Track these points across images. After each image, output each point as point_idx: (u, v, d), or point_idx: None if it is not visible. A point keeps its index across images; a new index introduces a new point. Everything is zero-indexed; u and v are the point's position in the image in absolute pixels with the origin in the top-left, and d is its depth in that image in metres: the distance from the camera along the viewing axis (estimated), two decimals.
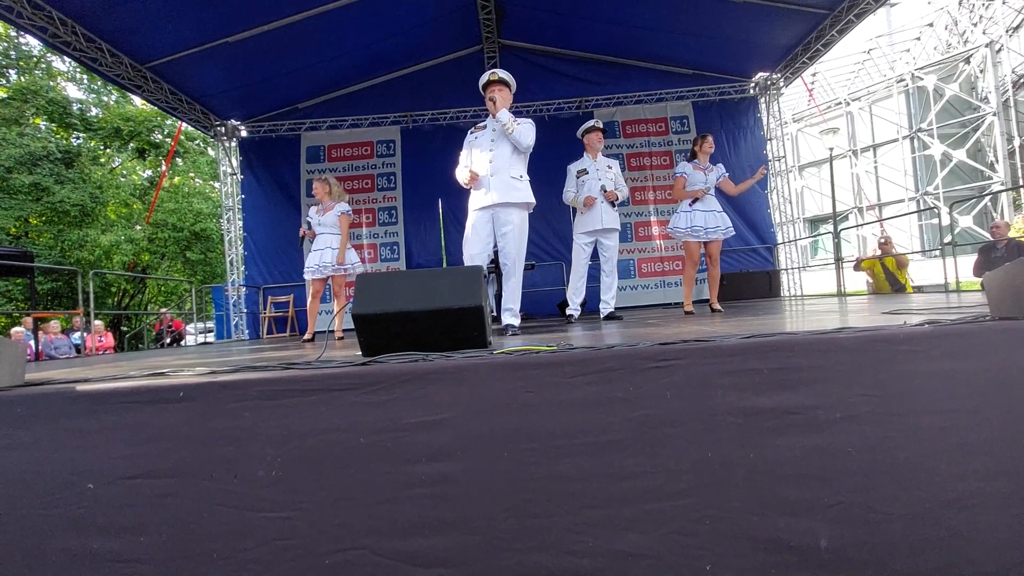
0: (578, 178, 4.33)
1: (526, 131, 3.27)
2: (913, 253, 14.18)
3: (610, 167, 4.34)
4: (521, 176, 3.33)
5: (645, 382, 1.42)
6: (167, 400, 1.45)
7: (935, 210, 13.89)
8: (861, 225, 16.87)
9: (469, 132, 3.51)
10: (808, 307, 4.06)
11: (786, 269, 8.00)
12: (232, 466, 1.40)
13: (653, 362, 1.44)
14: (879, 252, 7.61)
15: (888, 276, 7.29)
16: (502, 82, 3.36)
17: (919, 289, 6.93)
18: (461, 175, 3.37)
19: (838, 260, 7.64)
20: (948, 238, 7.42)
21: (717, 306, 4.29)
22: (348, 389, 1.44)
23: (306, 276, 4.60)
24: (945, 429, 1.40)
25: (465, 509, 1.34)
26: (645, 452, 1.36)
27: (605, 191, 4.22)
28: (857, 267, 7.89)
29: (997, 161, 14.75)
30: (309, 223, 4.67)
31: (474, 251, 3.27)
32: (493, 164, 3.25)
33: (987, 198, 14.81)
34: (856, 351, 1.45)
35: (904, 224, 16.14)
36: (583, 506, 1.33)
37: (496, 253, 3.50)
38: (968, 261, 6.97)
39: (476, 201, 3.30)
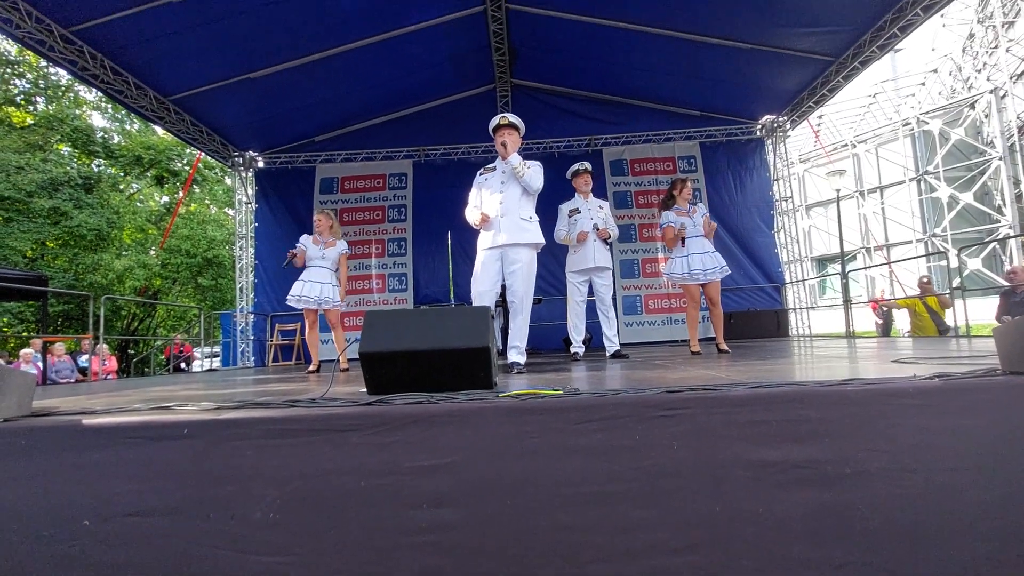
0: (570, 217, 4.41)
1: (536, 174, 3.33)
2: (923, 296, 14.07)
3: (601, 207, 4.42)
4: (531, 217, 3.38)
5: (651, 431, 1.40)
6: (171, 437, 1.45)
7: (944, 253, 13.85)
8: (870, 267, 16.82)
9: (479, 173, 3.56)
10: (817, 350, 4.02)
11: (794, 308, 7.96)
12: (230, 506, 1.38)
13: (660, 410, 1.42)
14: (920, 291, 7.33)
15: (934, 316, 6.99)
16: (512, 126, 3.43)
17: (943, 332, 6.82)
18: (472, 216, 3.41)
19: (847, 301, 7.60)
20: (957, 281, 7.39)
21: (724, 347, 4.26)
22: (351, 430, 1.43)
23: (295, 305, 4.51)
24: (959, 488, 1.36)
25: (466, 559, 1.31)
26: (652, 504, 1.34)
27: (598, 229, 4.27)
28: (876, 307, 7.76)
29: (1005, 205, 14.77)
30: (303, 248, 4.64)
31: (483, 288, 3.29)
32: (504, 205, 3.30)
33: (995, 242, 14.77)
34: (865, 404, 1.43)
35: (912, 266, 16.08)
36: (588, 560, 1.29)
37: (504, 290, 3.52)
38: (978, 304, 6.92)
39: (486, 241, 3.34)
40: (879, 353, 3.33)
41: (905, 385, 1.47)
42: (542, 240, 3.39)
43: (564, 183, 4.69)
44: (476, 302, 3.32)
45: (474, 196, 3.51)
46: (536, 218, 3.42)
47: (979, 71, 16.48)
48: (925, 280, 7.54)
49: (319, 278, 4.53)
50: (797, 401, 1.44)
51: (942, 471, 1.38)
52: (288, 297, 4.54)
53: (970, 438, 1.40)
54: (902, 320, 11.85)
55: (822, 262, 18.97)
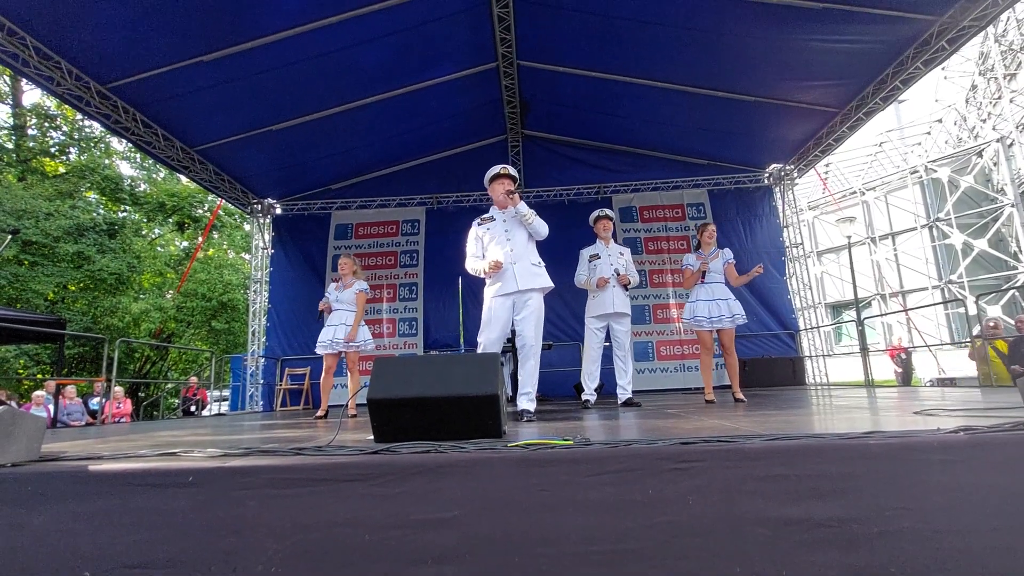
0: (590, 262, 4.43)
1: (542, 222, 3.40)
2: (943, 345, 13.78)
3: (622, 253, 4.44)
4: (539, 263, 3.41)
5: (665, 485, 1.36)
6: (175, 484, 1.43)
7: (962, 300, 13.63)
8: (886, 314, 16.57)
9: (476, 223, 3.54)
10: (835, 399, 3.91)
11: (810, 356, 7.81)
12: (231, 559, 1.35)
13: (673, 463, 1.38)
14: (986, 336, 6.53)
15: (1006, 361, 6.22)
16: (511, 177, 3.48)
17: (952, 382, 6.59)
18: (477, 265, 3.41)
19: (863, 348, 7.45)
20: (976, 329, 7.21)
21: (740, 395, 4.16)
22: (357, 480, 1.40)
23: (318, 351, 4.63)
24: (994, 551, 1.29)
25: None
26: (667, 564, 1.27)
27: (618, 275, 4.28)
28: (895, 355, 7.36)
29: (1020, 251, 14.62)
30: (327, 298, 4.78)
31: (493, 336, 3.27)
32: (514, 252, 3.33)
33: (1014, 289, 14.53)
34: (889, 459, 1.38)
35: (931, 313, 15.81)
36: None
37: (513, 335, 3.50)
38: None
39: (497, 288, 3.33)
40: (900, 403, 3.23)
41: (930, 439, 1.42)
42: (551, 284, 3.40)
43: (574, 230, 4.75)
44: (483, 350, 3.29)
45: (473, 246, 3.50)
46: (543, 263, 3.44)
47: (984, 121, 16.71)
48: (992, 324, 6.87)
49: (337, 320, 4.60)
50: (817, 455, 1.39)
51: (976, 532, 1.31)
52: (317, 344, 4.67)
53: (1003, 498, 1.33)
54: (923, 368, 11.55)
55: (836, 308, 18.74)
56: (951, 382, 8.90)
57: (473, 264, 3.47)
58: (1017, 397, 2.49)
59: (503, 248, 3.35)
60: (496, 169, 3.49)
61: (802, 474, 1.36)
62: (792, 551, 1.29)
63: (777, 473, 1.36)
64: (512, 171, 3.49)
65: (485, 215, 3.53)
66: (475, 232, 3.52)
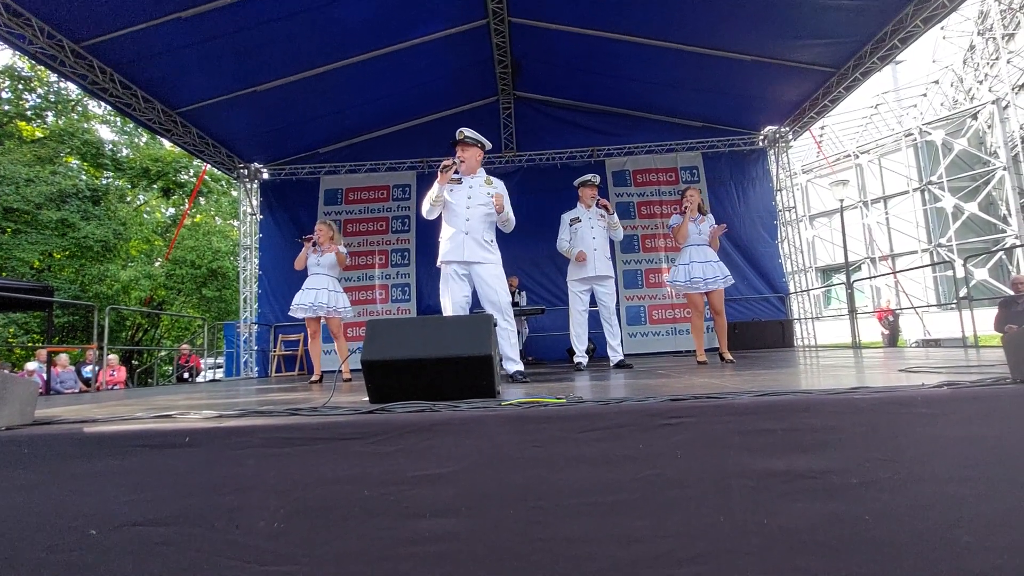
0: (571, 226, 4.42)
1: (512, 219, 3.43)
2: (929, 306, 14.01)
3: (602, 216, 4.43)
4: (492, 240, 3.40)
5: (655, 440, 1.39)
6: (173, 445, 1.45)
7: (950, 263, 13.79)
8: (875, 277, 16.75)
9: (442, 186, 3.37)
10: (822, 359, 3.99)
11: (799, 319, 7.92)
12: (234, 515, 1.38)
13: (663, 419, 1.41)
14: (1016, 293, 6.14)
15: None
16: (470, 143, 3.39)
17: (937, 343, 6.73)
18: (429, 203, 3.36)
19: (852, 311, 7.56)
20: (964, 291, 7.33)
21: (728, 356, 4.23)
22: (353, 438, 1.42)
23: (295, 314, 4.55)
24: (967, 498, 1.34)
25: (467, 569, 1.30)
26: (655, 515, 1.32)
27: (606, 208, 4.36)
28: (882, 317, 7.32)
29: (1010, 215, 14.73)
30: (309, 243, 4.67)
31: (455, 299, 3.29)
32: (469, 223, 3.32)
33: (1002, 252, 14.71)
34: (873, 412, 1.42)
35: (919, 276, 16.01)
36: (590, 571, 1.28)
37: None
38: (984, 314, 6.85)
39: (451, 254, 3.32)
40: (886, 362, 3.30)
41: (914, 393, 1.46)
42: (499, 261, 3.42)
43: (568, 193, 4.71)
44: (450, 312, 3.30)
45: (435, 195, 3.37)
46: (495, 242, 3.44)
47: (980, 82, 16.53)
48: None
49: (316, 284, 4.54)
50: (803, 410, 1.42)
51: (952, 481, 1.36)
52: (290, 308, 4.57)
53: (980, 448, 1.38)
54: (909, 330, 11.77)
55: (826, 272, 18.92)
56: (936, 343, 9.11)
57: (425, 206, 3.42)
58: (1000, 355, 2.56)
59: (462, 216, 3.33)
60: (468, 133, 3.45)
61: (788, 428, 1.40)
62: (773, 501, 1.34)
63: (764, 427, 1.40)
64: (469, 133, 3.41)
65: (455, 176, 3.41)
66: (440, 185, 3.35)
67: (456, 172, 3.40)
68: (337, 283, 4.68)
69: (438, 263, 3.43)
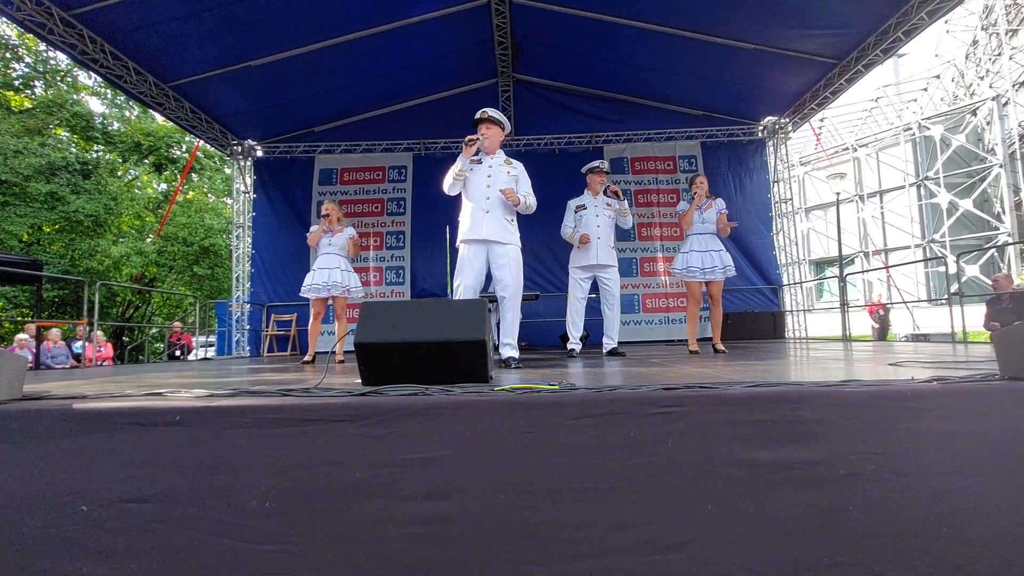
0: (576, 213, 4.39)
1: (533, 201, 3.44)
2: (920, 301, 14.14)
3: (609, 204, 4.40)
4: (512, 220, 3.40)
5: (647, 428, 1.40)
6: (163, 423, 1.44)
7: (942, 258, 13.89)
8: (868, 271, 16.86)
9: (466, 160, 3.37)
10: (813, 352, 4.02)
11: (791, 311, 7.97)
12: (226, 494, 1.38)
13: (655, 408, 1.42)
14: None
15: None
16: (494, 121, 3.38)
17: (926, 338, 6.81)
18: (449, 180, 3.36)
19: (843, 304, 7.61)
20: (955, 287, 7.39)
21: (720, 346, 4.27)
22: (346, 420, 1.42)
23: (307, 294, 4.57)
24: (951, 492, 1.36)
25: (458, 551, 1.31)
26: (645, 501, 1.33)
27: (614, 195, 4.33)
28: (873, 310, 7.45)
29: (1004, 212, 14.81)
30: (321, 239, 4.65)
31: (468, 282, 3.28)
32: (490, 201, 3.30)
33: (993, 249, 14.82)
34: (862, 406, 1.43)
35: (911, 271, 16.12)
36: (579, 555, 1.29)
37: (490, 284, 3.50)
38: (974, 311, 6.93)
39: (470, 233, 3.31)
40: (875, 356, 3.33)
41: (903, 388, 1.47)
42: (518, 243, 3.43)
43: (565, 179, 4.68)
44: (461, 295, 3.30)
45: (459, 169, 3.35)
46: (515, 220, 3.45)
47: (982, 78, 16.49)
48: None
49: (328, 264, 4.55)
50: (794, 402, 1.43)
51: (936, 475, 1.38)
52: (302, 289, 4.59)
53: (967, 442, 1.40)
54: (899, 324, 11.89)
55: (820, 265, 19.01)
56: (925, 338, 9.21)
57: (448, 180, 3.39)
58: (988, 351, 2.58)
59: (483, 195, 3.32)
60: (478, 114, 3.42)
61: (779, 419, 1.41)
62: (761, 491, 1.36)
63: (755, 418, 1.41)
64: (493, 114, 3.39)
65: (475, 157, 3.42)
66: (463, 163, 3.35)
67: (477, 152, 3.40)
68: (348, 263, 4.69)
69: (457, 243, 3.42)
